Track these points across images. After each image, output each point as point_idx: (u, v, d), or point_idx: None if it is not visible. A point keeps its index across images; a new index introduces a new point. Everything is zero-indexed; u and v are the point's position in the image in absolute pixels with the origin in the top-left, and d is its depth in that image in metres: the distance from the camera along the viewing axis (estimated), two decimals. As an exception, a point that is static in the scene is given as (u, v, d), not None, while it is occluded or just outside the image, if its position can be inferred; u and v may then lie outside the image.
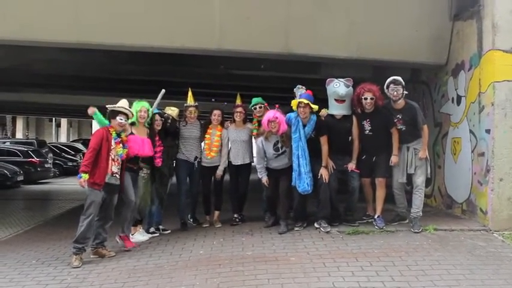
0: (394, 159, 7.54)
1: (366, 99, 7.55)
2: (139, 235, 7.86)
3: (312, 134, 7.49)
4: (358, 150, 7.71)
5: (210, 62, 10.16)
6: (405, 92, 7.56)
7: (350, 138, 7.71)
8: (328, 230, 7.35)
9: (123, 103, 7.08)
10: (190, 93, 8.45)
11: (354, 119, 7.74)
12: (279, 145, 7.66)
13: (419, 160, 7.49)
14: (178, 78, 12.58)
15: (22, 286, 6.06)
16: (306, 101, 7.38)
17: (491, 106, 7.60)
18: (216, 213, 8.68)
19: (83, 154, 29.83)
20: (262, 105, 8.50)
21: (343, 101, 7.67)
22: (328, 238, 7.13)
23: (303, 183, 7.34)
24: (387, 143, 7.60)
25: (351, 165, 7.70)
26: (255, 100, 8.55)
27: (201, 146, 8.59)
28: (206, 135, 8.43)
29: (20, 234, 9.69)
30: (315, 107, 7.52)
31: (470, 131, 8.14)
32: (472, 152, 8.07)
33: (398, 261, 6.04)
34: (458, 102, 8.56)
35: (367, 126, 7.64)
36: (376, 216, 7.69)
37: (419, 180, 7.52)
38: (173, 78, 12.80)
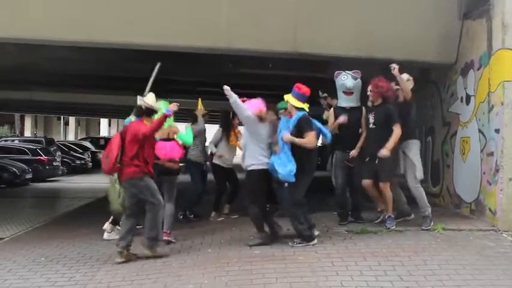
0: (383, 151, 7.25)
1: (367, 92, 7.66)
2: (114, 234, 7.78)
3: (293, 131, 6.83)
4: (363, 140, 7.72)
5: (219, 61, 10.17)
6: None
7: (360, 130, 7.76)
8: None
9: (154, 99, 6.98)
10: (200, 102, 9.12)
11: (364, 110, 7.81)
12: None
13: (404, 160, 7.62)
14: (187, 77, 12.61)
15: (31, 283, 6.09)
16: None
17: (501, 105, 7.57)
18: (227, 206, 9.28)
19: (91, 152, 30.39)
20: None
21: (351, 92, 7.77)
22: (336, 237, 7.13)
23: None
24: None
25: (353, 152, 7.70)
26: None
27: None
28: (231, 138, 9.11)
29: (28, 232, 9.72)
30: (291, 103, 6.90)
31: (480, 131, 8.10)
32: (481, 151, 8.04)
33: (406, 261, 6.02)
34: (468, 102, 8.53)
35: (371, 119, 7.63)
36: (387, 216, 7.64)
37: (409, 182, 7.58)
38: (182, 77, 12.83)
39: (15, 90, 18.98)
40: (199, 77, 12.87)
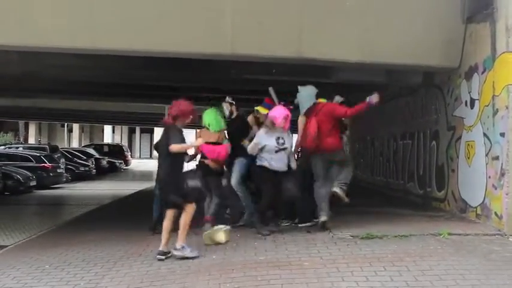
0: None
1: None
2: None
3: None
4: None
5: (222, 67, 10.16)
6: None
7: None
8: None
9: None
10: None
11: None
12: (281, 140, 7.80)
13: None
14: (191, 83, 12.61)
15: (36, 291, 6.09)
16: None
17: (506, 109, 7.53)
18: None
19: (95, 159, 30.47)
20: None
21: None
22: (341, 242, 7.09)
23: None
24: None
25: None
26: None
27: None
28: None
29: (32, 239, 9.73)
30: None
31: (484, 135, 8.06)
32: (486, 155, 8.00)
33: (412, 266, 5.98)
34: (472, 106, 8.50)
35: None
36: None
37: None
38: (186, 84, 12.84)
39: (20, 98, 19.05)
40: (204, 83, 12.88)
